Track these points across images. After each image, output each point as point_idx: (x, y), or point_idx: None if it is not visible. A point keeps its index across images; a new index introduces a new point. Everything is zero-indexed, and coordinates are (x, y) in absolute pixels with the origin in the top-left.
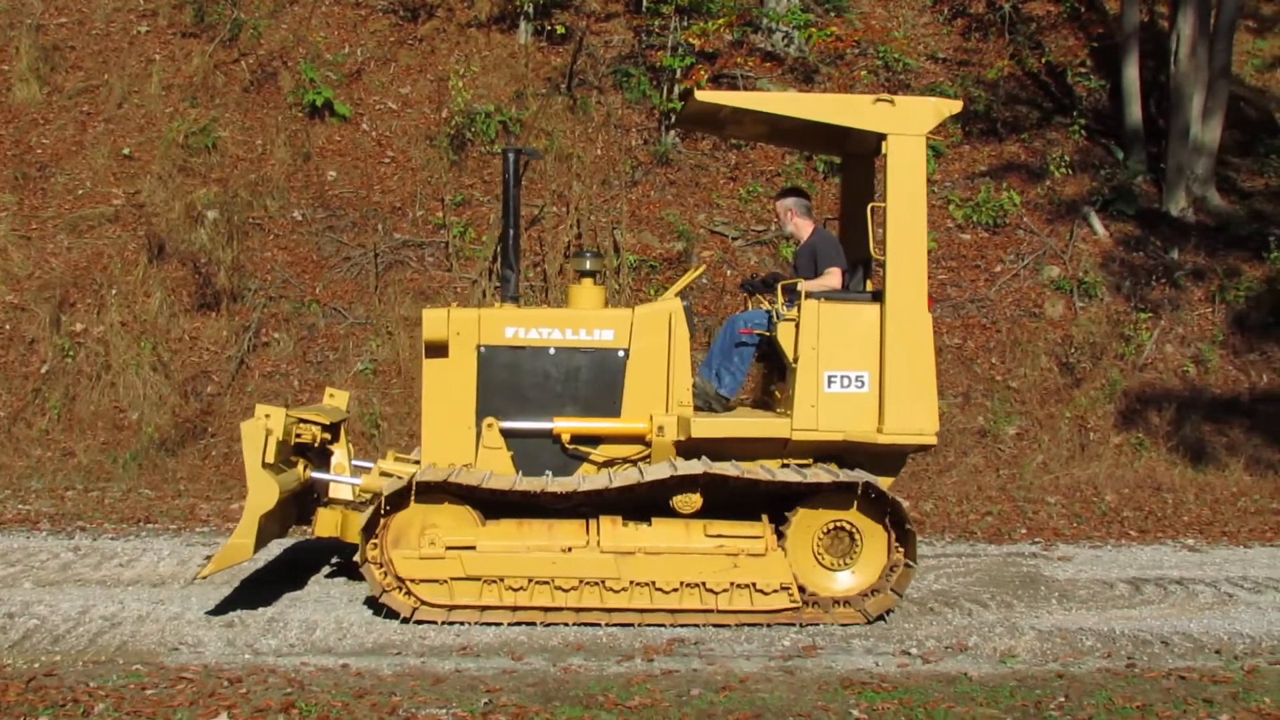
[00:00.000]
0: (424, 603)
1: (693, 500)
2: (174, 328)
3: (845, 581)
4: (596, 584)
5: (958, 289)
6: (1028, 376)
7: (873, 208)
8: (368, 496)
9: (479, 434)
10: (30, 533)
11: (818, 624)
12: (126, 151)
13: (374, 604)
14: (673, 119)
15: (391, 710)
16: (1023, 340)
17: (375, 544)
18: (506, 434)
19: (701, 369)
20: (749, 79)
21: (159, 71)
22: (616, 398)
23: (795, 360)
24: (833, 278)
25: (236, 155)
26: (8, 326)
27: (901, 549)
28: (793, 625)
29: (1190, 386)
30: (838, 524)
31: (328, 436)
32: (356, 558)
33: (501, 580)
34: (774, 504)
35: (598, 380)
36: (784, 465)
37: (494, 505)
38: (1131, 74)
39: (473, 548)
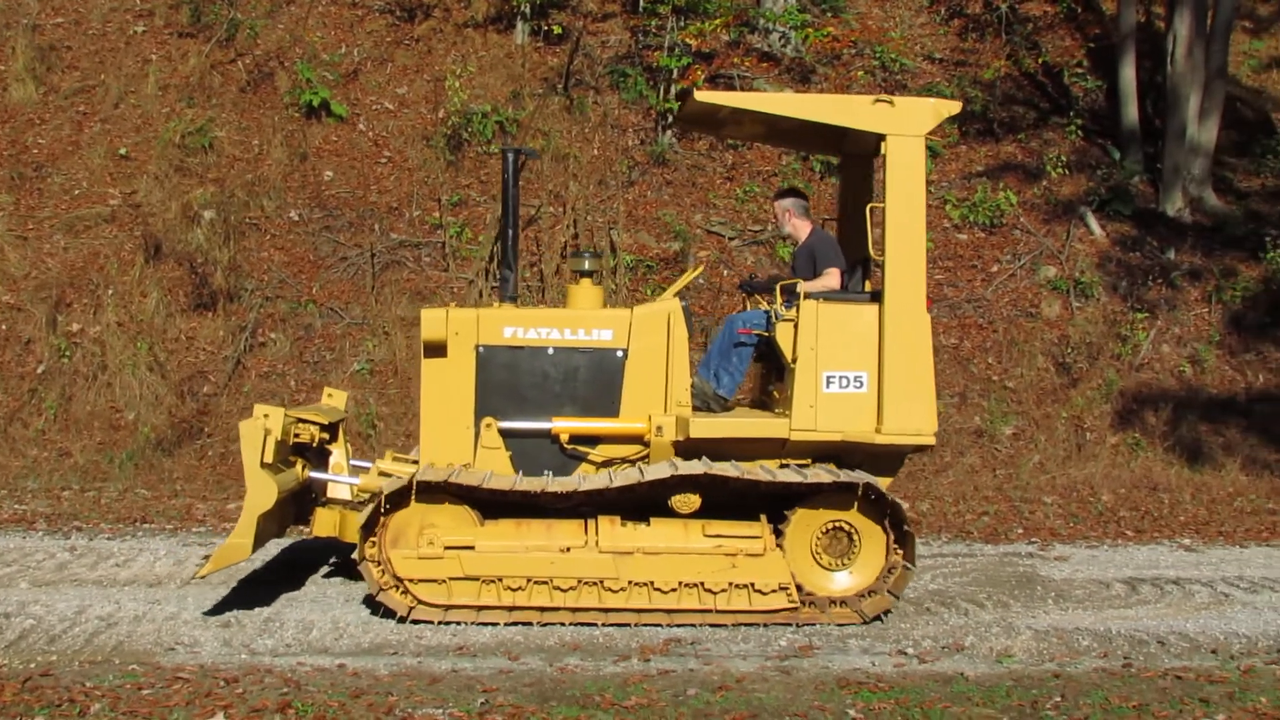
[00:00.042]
0: (421, 602)
1: (691, 500)
2: (170, 328)
3: (843, 582)
4: (595, 584)
5: (954, 289)
6: (1024, 376)
7: (871, 208)
8: (366, 496)
9: (477, 434)
10: (26, 533)
11: (814, 624)
12: (123, 151)
13: (371, 604)
14: (669, 119)
15: (388, 710)
16: (1019, 340)
17: (374, 542)
18: (505, 434)
19: (700, 369)
20: (745, 79)
21: (155, 71)
22: (615, 398)
23: (794, 360)
24: (831, 278)
25: (233, 155)
26: (4, 327)
27: (900, 551)
28: (789, 625)
29: (1187, 386)
30: (836, 524)
31: (326, 436)
32: (354, 555)
33: (500, 580)
34: (772, 504)
35: (596, 380)
36: (783, 465)
37: (493, 505)
38: (1128, 74)
39: (471, 548)
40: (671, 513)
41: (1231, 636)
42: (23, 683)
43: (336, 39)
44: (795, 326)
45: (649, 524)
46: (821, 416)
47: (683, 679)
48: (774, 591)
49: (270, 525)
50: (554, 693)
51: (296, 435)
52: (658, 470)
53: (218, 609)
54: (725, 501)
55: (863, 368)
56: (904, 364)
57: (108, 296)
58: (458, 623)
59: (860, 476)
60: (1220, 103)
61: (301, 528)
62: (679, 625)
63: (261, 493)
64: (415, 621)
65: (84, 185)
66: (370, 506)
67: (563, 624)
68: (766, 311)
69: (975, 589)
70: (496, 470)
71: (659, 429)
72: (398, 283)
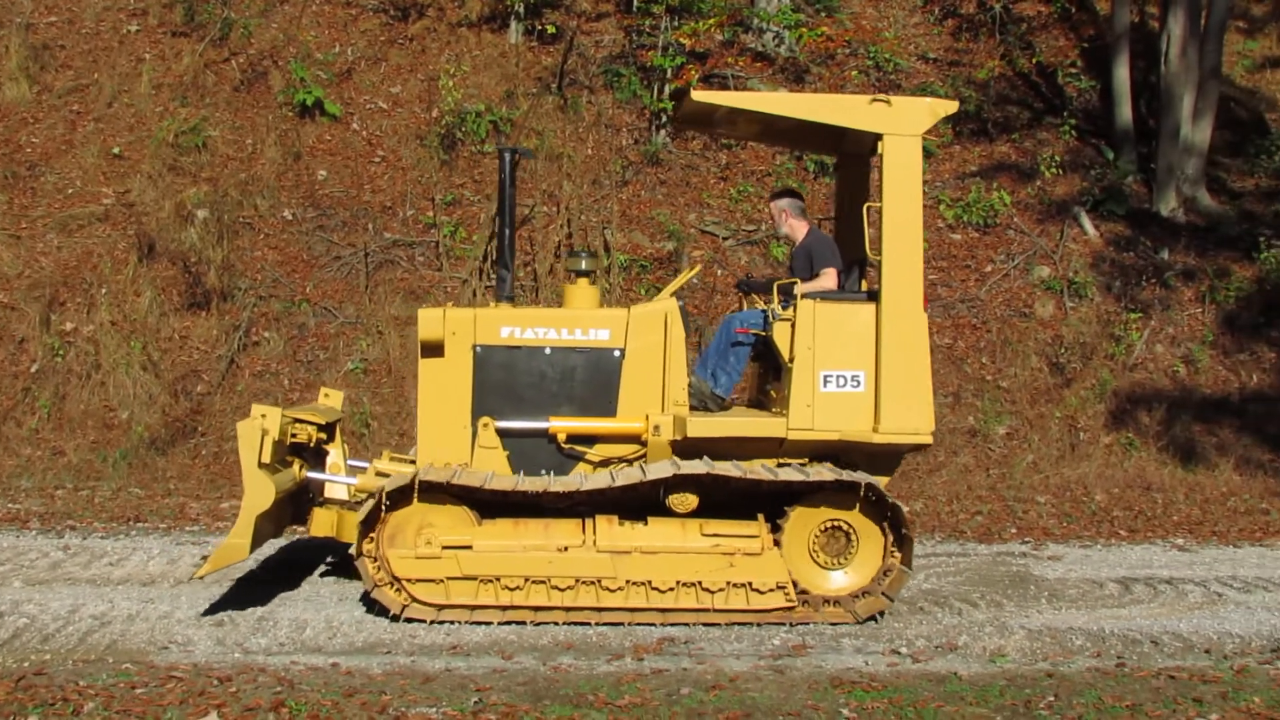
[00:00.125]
0: (417, 601)
1: (689, 500)
2: (164, 327)
3: (839, 581)
4: (593, 583)
5: (948, 289)
6: (1018, 376)
7: (868, 207)
8: (363, 496)
9: (475, 433)
10: (20, 532)
11: (808, 623)
12: (116, 151)
13: (365, 602)
14: (663, 119)
15: (381, 709)
16: (1013, 340)
17: (372, 539)
18: (502, 433)
19: (697, 369)
20: (739, 79)
21: (149, 71)
22: (612, 397)
23: (791, 360)
24: (828, 279)
25: (226, 154)
26: None
27: (898, 552)
28: (783, 624)
29: (1180, 386)
30: (835, 523)
31: (323, 436)
32: (352, 550)
33: (497, 580)
34: (770, 503)
35: (593, 380)
36: (780, 465)
37: (491, 504)
38: (1122, 74)
39: (469, 547)
40: (669, 512)
41: (1225, 636)
42: (16, 681)
43: (330, 38)
44: (793, 326)
45: (646, 523)
46: (819, 416)
47: (676, 678)
48: (771, 591)
49: (268, 525)
50: (547, 692)
51: (294, 435)
52: (660, 469)
53: (211, 608)
54: (723, 501)
55: (860, 367)
56: (901, 363)
57: (101, 295)
58: (451, 621)
59: (862, 477)
60: (1214, 103)
61: (297, 527)
62: (673, 624)
63: (259, 493)
64: (409, 620)
65: (77, 184)
66: (371, 502)
67: (556, 623)
68: (764, 311)
69: (969, 588)
70: (493, 470)
71: (656, 428)
72: (391, 282)
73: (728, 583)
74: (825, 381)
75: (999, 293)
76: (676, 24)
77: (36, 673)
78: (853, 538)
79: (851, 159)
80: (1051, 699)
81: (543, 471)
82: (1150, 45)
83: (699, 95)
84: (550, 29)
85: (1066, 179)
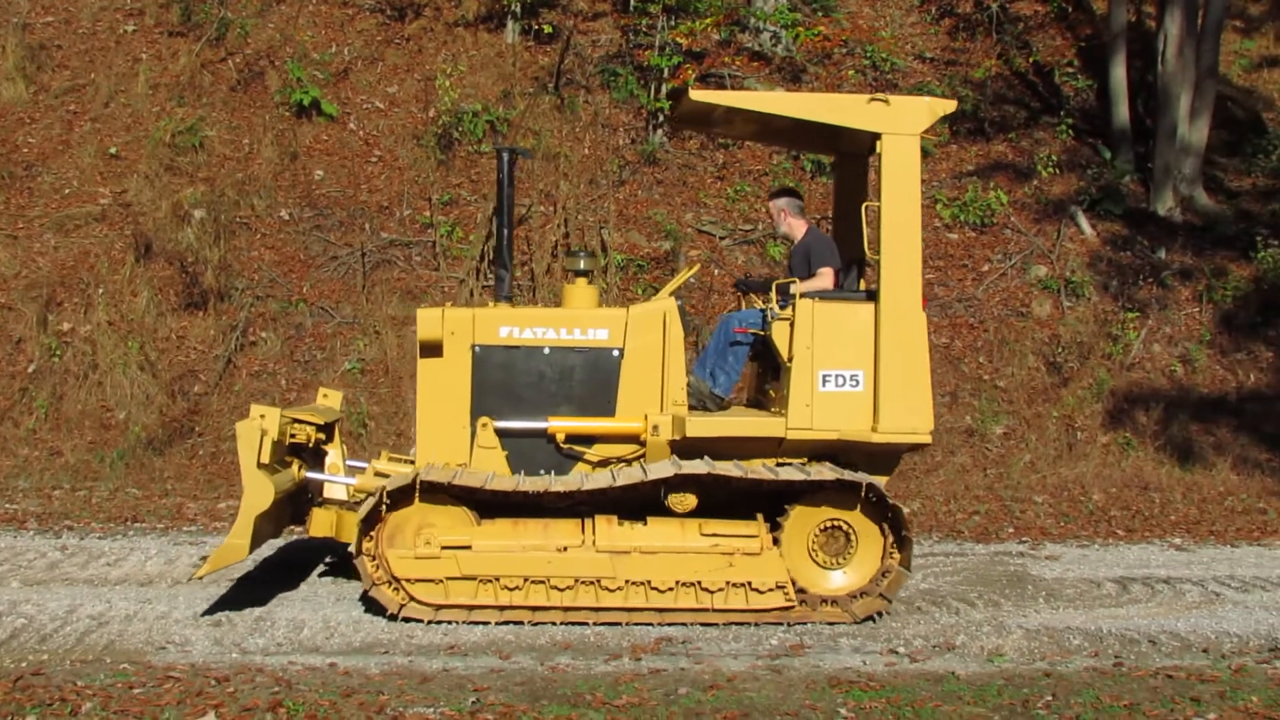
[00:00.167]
0: (415, 600)
1: (688, 500)
2: (161, 327)
3: (837, 581)
4: (592, 583)
5: (945, 288)
6: (1015, 376)
7: (867, 207)
8: (362, 496)
9: (474, 433)
10: (17, 532)
11: (805, 623)
12: (113, 151)
13: (363, 602)
14: (660, 118)
15: (379, 709)
16: (1010, 340)
17: (371, 537)
18: (501, 433)
19: (696, 368)
20: (736, 78)
21: (146, 71)
22: (611, 397)
23: (790, 359)
24: (825, 278)
25: (223, 154)
26: None
27: (896, 554)
28: (780, 624)
29: (1177, 386)
30: (834, 522)
31: (323, 436)
32: (351, 548)
33: (497, 580)
34: (769, 502)
35: (592, 380)
36: (780, 464)
37: (490, 504)
38: (1119, 74)
39: (468, 547)
40: (668, 512)
41: (1223, 635)
42: (14, 682)
43: (327, 38)
44: (791, 325)
45: (646, 523)
46: (818, 415)
47: (674, 678)
48: (771, 590)
49: (267, 526)
50: (545, 691)
51: (293, 435)
52: (662, 469)
53: (209, 608)
54: (722, 501)
55: (859, 366)
56: (900, 363)
57: (98, 296)
58: (449, 621)
59: (863, 477)
60: (1211, 102)
61: (296, 527)
62: (670, 624)
63: (258, 493)
64: (406, 619)
65: (74, 184)
66: (372, 500)
67: (554, 623)
68: (762, 310)
69: (966, 588)
70: (492, 470)
71: (655, 428)
72: (388, 282)
73: (727, 582)
74: (824, 381)
75: (996, 292)
76: (673, 23)
77: (34, 673)
78: (852, 538)
79: (849, 158)
80: (1049, 698)
81: (542, 471)
82: (1147, 44)
83: (697, 95)
84: (547, 29)
85: (1063, 178)
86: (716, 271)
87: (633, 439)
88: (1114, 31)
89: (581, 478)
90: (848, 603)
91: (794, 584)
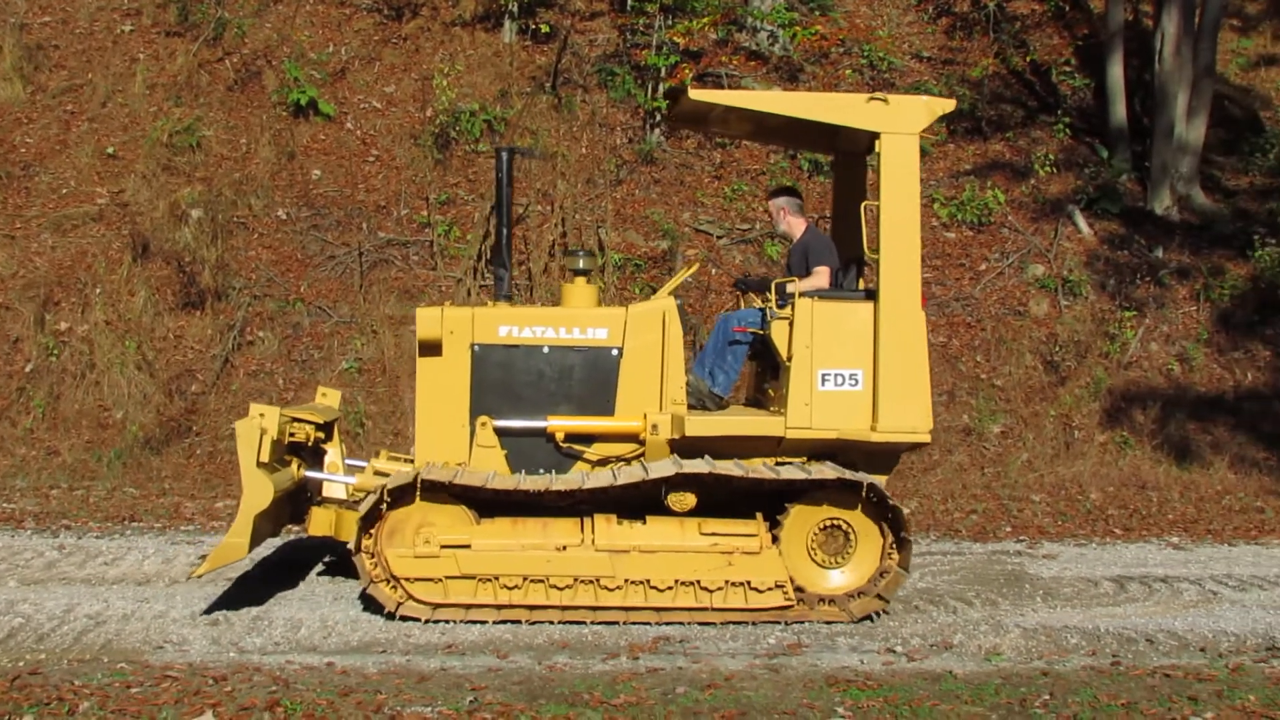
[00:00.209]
0: (411, 598)
1: (687, 499)
2: (158, 326)
3: (836, 580)
4: (591, 582)
5: (943, 287)
6: (1012, 375)
7: (866, 206)
8: (362, 495)
9: (473, 432)
10: (15, 531)
11: (803, 621)
12: (110, 150)
13: (361, 601)
14: (658, 117)
15: (377, 708)
16: (1007, 339)
17: (371, 535)
18: (500, 432)
19: (695, 367)
20: (734, 78)
21: (143, 70)
22: (610, 396)
23: (789, 358)
24: (821, 277)
25: (221, 154)
26: None
27: (895, 554)
28: (778, 623)
29: (1175, 385)
30: (834, 522)
31: (322, 436)
32: (350, 545)
33: (496, 579)
34: (768, 502)
35: (592, 379)
36: (780, 464)
37: (490, 503)
38: (1116, 72)
39: (468, 546)
40: (668, 511)
41: (1220, 634)
42: (11, 681)
43: (324, 38)
44: (790, 324)
45: (645, 523)
46: (817, 414)
47: (671, 677)
48: (770, 589)
49: (266, 525)
50: (542, 691)
51: (292, 434)
52: (663, 468)
53: (207, 607)
54: (722, 500)
55: (858, 365)
56: (899, 362)
57: (95, 295)
58: (446, 620)
59: (864, 476)
60: (1208, 101)
61: (293, 526)
62: (668, 623)
63: (258, 492)
64: (404, 618)
65: (71, 184)
66: (373, 498)
67: (551, 622)
68: (761, 309)
69: (964, 587)
70: (492, 469)
71: (654, 427)
72: (386, 281)
73: (726, 581)
74: (823, 380)
75: (993, 291)
76: (670, 23)
77: (31, 672)
78: (851, 537)
79: (848, 158)
80: (1047, 697)
81: (541, 470)
82: (1144, 43)
83: (696, 94)
84: (544, 28)
85: (1061, 177)
86: (714, 271)
87: (632, 438)
88: (1111, 30)
89: (582, 477)
90: (845, 602)
91: (792, 583)
